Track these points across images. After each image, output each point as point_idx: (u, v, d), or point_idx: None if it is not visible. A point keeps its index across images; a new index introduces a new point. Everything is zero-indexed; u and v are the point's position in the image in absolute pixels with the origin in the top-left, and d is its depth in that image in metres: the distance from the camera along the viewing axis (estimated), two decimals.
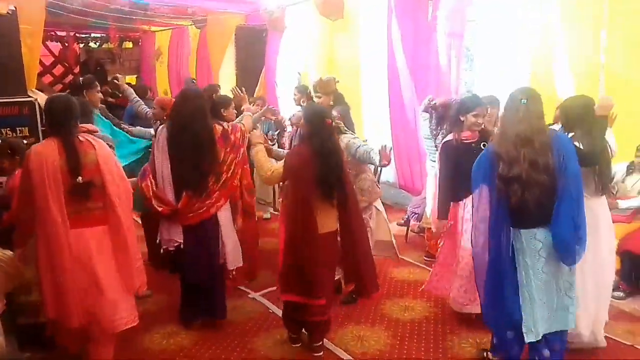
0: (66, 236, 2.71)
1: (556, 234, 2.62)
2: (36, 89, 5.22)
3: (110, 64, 10.60)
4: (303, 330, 3.47)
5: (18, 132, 4.52)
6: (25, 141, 3.89)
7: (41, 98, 4.78)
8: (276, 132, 6.23)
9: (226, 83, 7.81)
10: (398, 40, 5.18)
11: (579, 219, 2.61)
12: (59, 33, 9.94)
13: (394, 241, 4.16)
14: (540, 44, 4.66)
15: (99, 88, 4.80)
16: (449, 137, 3.66)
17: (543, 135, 2.63)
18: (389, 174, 6.12)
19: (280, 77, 7.56)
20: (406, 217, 5.62)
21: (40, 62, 7.62)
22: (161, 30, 10.13)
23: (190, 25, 9.02)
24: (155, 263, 4.43)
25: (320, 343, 3.37)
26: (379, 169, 5.10)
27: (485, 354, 3.23)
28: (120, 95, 5.70)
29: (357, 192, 3.82)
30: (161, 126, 3.73)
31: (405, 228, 5.60)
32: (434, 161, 4.34)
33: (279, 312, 3.71)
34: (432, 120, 4.56)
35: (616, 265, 3.53)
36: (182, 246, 3.55)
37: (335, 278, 3.55)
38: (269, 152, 3.88)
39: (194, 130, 3.41)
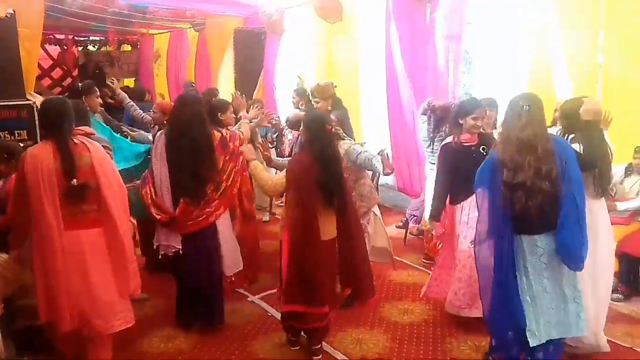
0: (60, 239, 2.71)
1: (562, 241, 2.62)
2: (35, 92, 5.21)
3: (109, 67, 10.58)
4: (302, 333, 3.47)
5: (16, 135, 4.51)
6: (22, 144, 3.88)
7: (39, 101, 4.76)
8: (275, 135, 6.24)
9: (225, 86, 7.81)
10: (396, 42, 5.18)
11: (583, 224, 2.62)
12: (57, 36, 9.93)
13: (390, 248, 4.15)
14: (538, 46, 4.67)
15: (98, 93, 4.81)
16: (448, 139, 3.66)
17: (546, 142, 2.64)
18: (387, 177, 6.12)
19: (278, 80, 7.56)
20: (405, 219, 5.63)
21: (39, 65, 7.65)
22: (160, 33, 10.13)
23: (189, 28, 9.02)
24: (151, 267, 4.44)
25: (319, 346, 3.36)
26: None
27: (490, 358, 3.22)
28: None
29: (356, 198, 3.83)
30: (159, 132, 3.74)
31: (404, 231, 5.60)
32: (433, 164, 4.34)
33: (278, 315, 3.71)
34: (430, 123, 4.57)
35: (614, 268, 3.53)
36: (180, 252, 3.56)
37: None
38: (269, 162, 3.87)
39: (192, 136, 3.41)
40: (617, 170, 4.20)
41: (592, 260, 2.95)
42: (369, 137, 6.24)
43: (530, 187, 2.59)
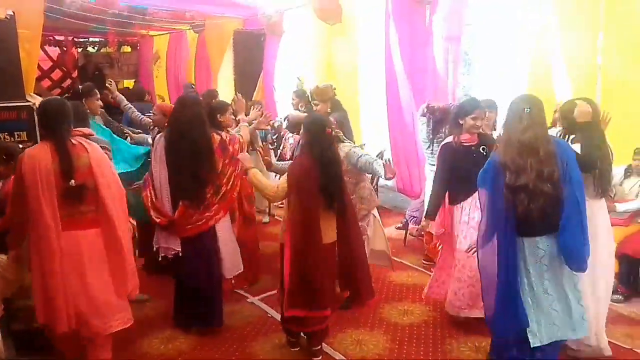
0: (58, 240, 2.71)
1: (565, 243, 2.63)
2: (34, 93, 5.21)
3: (109, 68, 10.60)
4: (302, 334, 3.46)
5: (16, 136, 4.51)
6: (21, 146, 3.88)
7: (39, 102, 4.77)
8: (274, 136, 6.24)
9: (224, 87, 7.82)
10: (395, 44, 5.19)
11: (584, 224, 2.63)
12: (57, 37, 9.94)
13: (388, 251, 4.16)
14: (537, 47, 4.67)
15: (98, 96, 4.81)
16: (449, 139, 3.66)
17: (548, 144, 2.64)
18: None
19: (278, 82, 7.57)
20: (405, 220, 5.63)
21: (39, 66, 7.65)
22: (159, 35, 10.14)
23: (189, 29, 9.03)
24: (151, 268, 4.43)
25: (319, 347, 3.36)
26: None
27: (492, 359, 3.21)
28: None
29: (356, 201, 3.83)
30: (158, 135, 3.74)
31: (404, 232, 5.60)
32: (433, 165, 4.34)
33: (278, 317, 3.71)
34: (429, 125, 4.57)
35: (615, 269, 3.54)
36: (180, 254, 3.56)
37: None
38: (269, 166, 3.86)
39: (192, 138, 3.40)
40: (616, 171, 4.20)
41: (592, 260, 2.94)
42: (368, 139, 6.25)
43: (532, 189, 2.59)
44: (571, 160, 2.66)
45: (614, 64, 4.24)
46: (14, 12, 4.43)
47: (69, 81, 10.16)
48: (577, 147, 2.94)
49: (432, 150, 4.56)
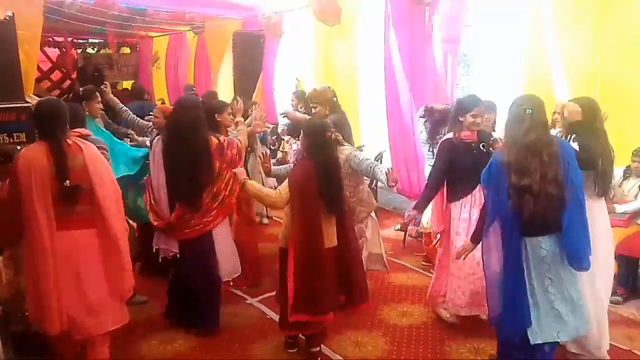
0: (51, 240, 2.70)
1: (569, 242, 2.63)
2: (34, 94, 5.21)
3: (108, 70, 10.57)
4: (300, 335, 3.46)
5: (15, 137, 4.50)
6: (19, 147, 3.87)
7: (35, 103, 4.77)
8: (274, 137, 6.24)
9: (224, 89, 7.82)
10: (395, 45, 5.19)
11: (586, 224, 2.64)
12: (56, 39, 9.92)
13: (384, 254, 4.15)
14: (536, 48, 4.68)
15: (99, 99, 4.80)
16: (449, 135, 3.64)
17: (550, 145, 2.64)
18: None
19: (277, 83, 7.57)
20: (404, 221, 5.62)
21: (38, 67, 7.63)
22: (159, 36, 10.14)
23: (188, 30, 9.03)
24: (150, 270, 4.42)
25: (318, 349, 3.36)
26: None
27: None
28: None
29: (357, 203, 3.83)
30: (156, 137, 3.73)
31: (403, 233, 5.60)
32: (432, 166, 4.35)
33: (277, 318, 3.70)
34: (426, 127, 4.58)
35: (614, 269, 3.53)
36: (178, 256, 3.56)
37: None
38: (268, 172, 3.85)
39: (190, 140, 3.40)
40: (615, 173, 4.20)
41: (591, 261, 2.95)
42: (368, 140, 6.26)
43: (537, 190, 2.59)
44: (572, 159, 2.67)
45: (612, 65, 4.25)
46: (13, 14, 4.42)
47: (68, 82, 10.14)
48: (576, 147, 2.94)
49: (432, 151, 4.55)
